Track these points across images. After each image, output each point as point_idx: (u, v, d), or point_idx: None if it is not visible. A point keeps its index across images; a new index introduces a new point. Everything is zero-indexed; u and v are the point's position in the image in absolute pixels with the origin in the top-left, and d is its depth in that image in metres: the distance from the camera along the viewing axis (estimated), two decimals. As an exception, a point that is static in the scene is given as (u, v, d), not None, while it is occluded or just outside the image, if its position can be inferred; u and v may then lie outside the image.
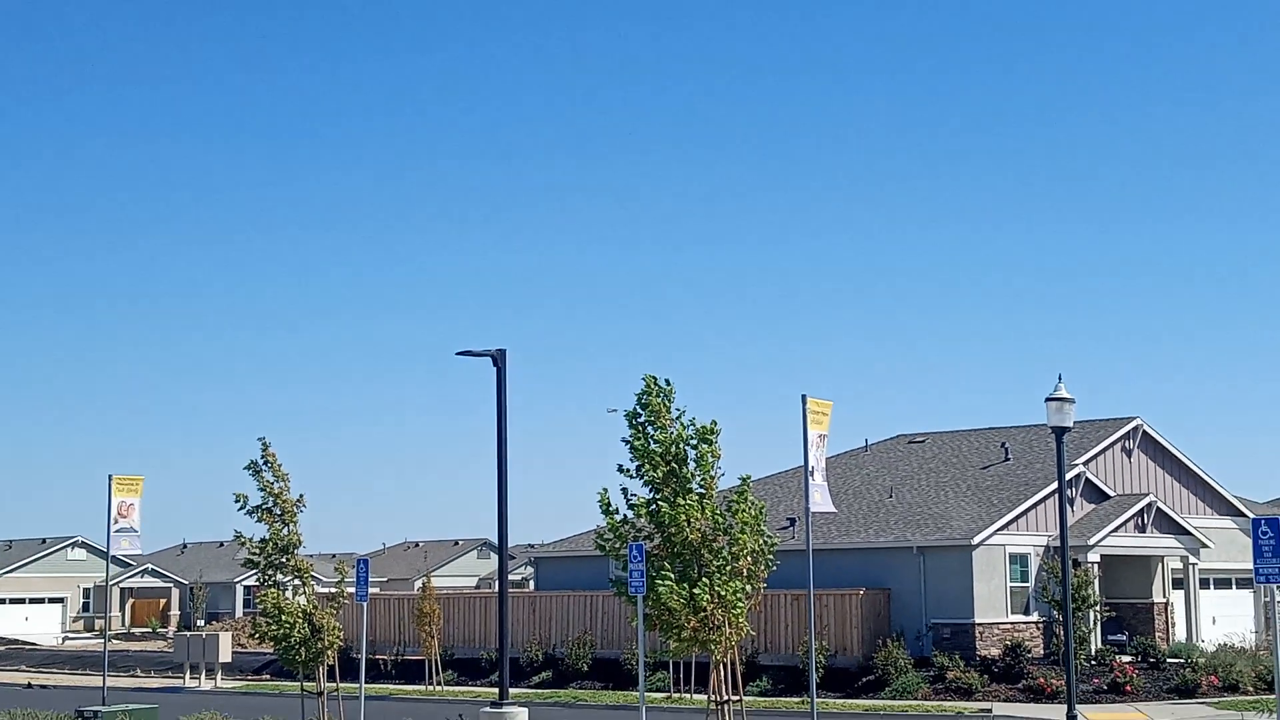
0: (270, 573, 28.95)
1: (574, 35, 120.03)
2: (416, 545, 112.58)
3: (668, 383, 30.17)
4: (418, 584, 44.70)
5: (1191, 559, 43.02)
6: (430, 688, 42.11)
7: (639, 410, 30.00)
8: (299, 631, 28.46)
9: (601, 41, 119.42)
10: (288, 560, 28.99)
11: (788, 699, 35.63)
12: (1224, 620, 44.07)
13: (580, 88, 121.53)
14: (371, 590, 32.35)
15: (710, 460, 29.76)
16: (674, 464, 29.46)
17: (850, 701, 35.35)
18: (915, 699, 34.82)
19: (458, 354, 24.33)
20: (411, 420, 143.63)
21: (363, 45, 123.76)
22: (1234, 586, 45.12)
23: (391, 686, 43.31)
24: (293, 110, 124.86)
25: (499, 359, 24.01)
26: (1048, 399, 25.88)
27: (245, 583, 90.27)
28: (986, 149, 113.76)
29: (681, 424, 29.90)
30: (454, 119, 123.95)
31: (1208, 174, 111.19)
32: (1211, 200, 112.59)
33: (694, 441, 29.82)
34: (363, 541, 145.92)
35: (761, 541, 29.43)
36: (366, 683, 30.75)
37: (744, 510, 29.31)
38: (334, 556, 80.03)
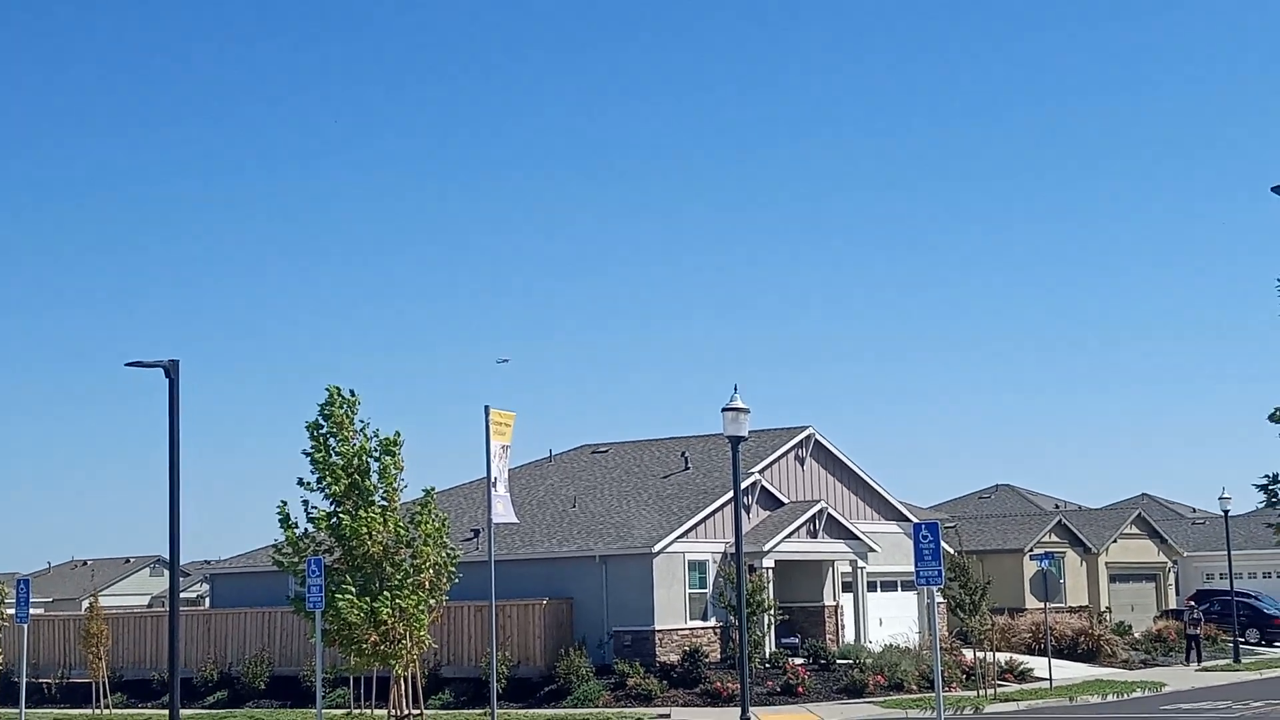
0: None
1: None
2: (85, 564, 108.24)
3: (351, 394, 29.80)
4: (85, 604, 42.74)
5: (860, 563, 44.71)
6: (97, 711, 40.38)
7: (321, 422, 29.54)
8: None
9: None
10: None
11: (470, 711, 35.52)
12: (890, 621, 45.99)
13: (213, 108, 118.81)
14: (35, 611, 30.81)
15: (393, 472, 29.55)
16: (356, 476, 29.15)
17: (532, 712, 35.47)
18: (596, 707, 35.17)
19: (127, 365, 23.38)
20: (80, 433, 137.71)
21: None
22: (899, 589, 47.08)
23: (56, 711, 41.48)
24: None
25: (171, 370, 23.19)
26: (724, 409, 26.53)
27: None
28: (664, 164, 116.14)
29: (365, 435, 29.61)
30: (122, 120, 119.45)
31: (870, 196, 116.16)
32: (874, 219, 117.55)
33: (377, 453, 29.57)
34: (27, 560, 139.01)
35: (444, 554, 29.37)
36: (29, 708, 29.28)
37: (427, 522, 29.20)
38: (-6, 577, 75.92)
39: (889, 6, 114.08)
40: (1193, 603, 55.15)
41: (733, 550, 31.00)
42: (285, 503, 29.74)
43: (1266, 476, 22.75)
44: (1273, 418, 22.00)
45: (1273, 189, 17.90)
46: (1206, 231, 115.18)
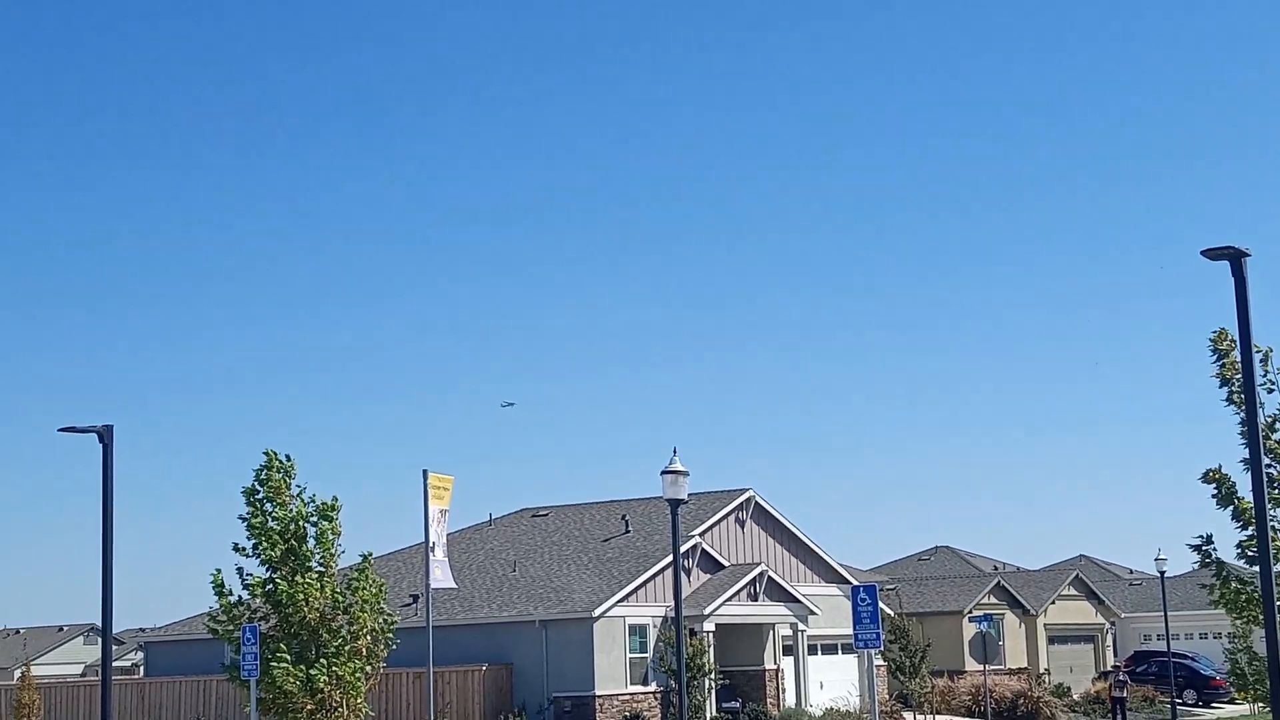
0: None
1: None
2: (17, 632, 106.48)
3: (288, 458, 29.62)
4: (17, 673, 42.03)
5: (801, 626, 44.70)
6: (28, 784, 39.68)
7: (257, 487, 29.32)
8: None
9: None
10: None
11: (409, 779, 35.15)
12: (831, 684, 45.96)
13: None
14: (-38, 682, 30.27)
15: (331, 537, 29.35)
16: (293, 541, 28.93)
17: (472, 779, 35.14)
18: (537, 774, 34.92)
19: (60, 430, 23.15)
20: (13, 500, 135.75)
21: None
22: (840, 652, 47.06)
23: (-16, 785, 40.66)
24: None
25: (105, 435, 22.97)
26: (663, 471, 26.50)
27: None
28: (600, 222, 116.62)
29: (302, 500, 29.40)
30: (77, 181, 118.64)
31: (802, 244, 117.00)
32: (811, 277, 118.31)
33: (314, 518, 29.36)
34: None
35: (382, 620, 29.14)
36: (-45, 782, 28.70)
37: (365, 588, 28.99)
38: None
39: (768, 56, 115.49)
40: (1118, 665, 55.41)
41: (673, 614, 30.92)
42: (219, 570, 29.51)
43: (1200, 537, 22.92)
44: (1205, 479, 22.23)
45: (1203, 253, 18.16)
46: (1145, 285, 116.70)
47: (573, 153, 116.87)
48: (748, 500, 45.97)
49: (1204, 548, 22.77)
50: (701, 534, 43.13)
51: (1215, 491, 22.17)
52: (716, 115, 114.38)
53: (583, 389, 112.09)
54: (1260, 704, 23.72)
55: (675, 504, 26.69)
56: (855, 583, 41.59)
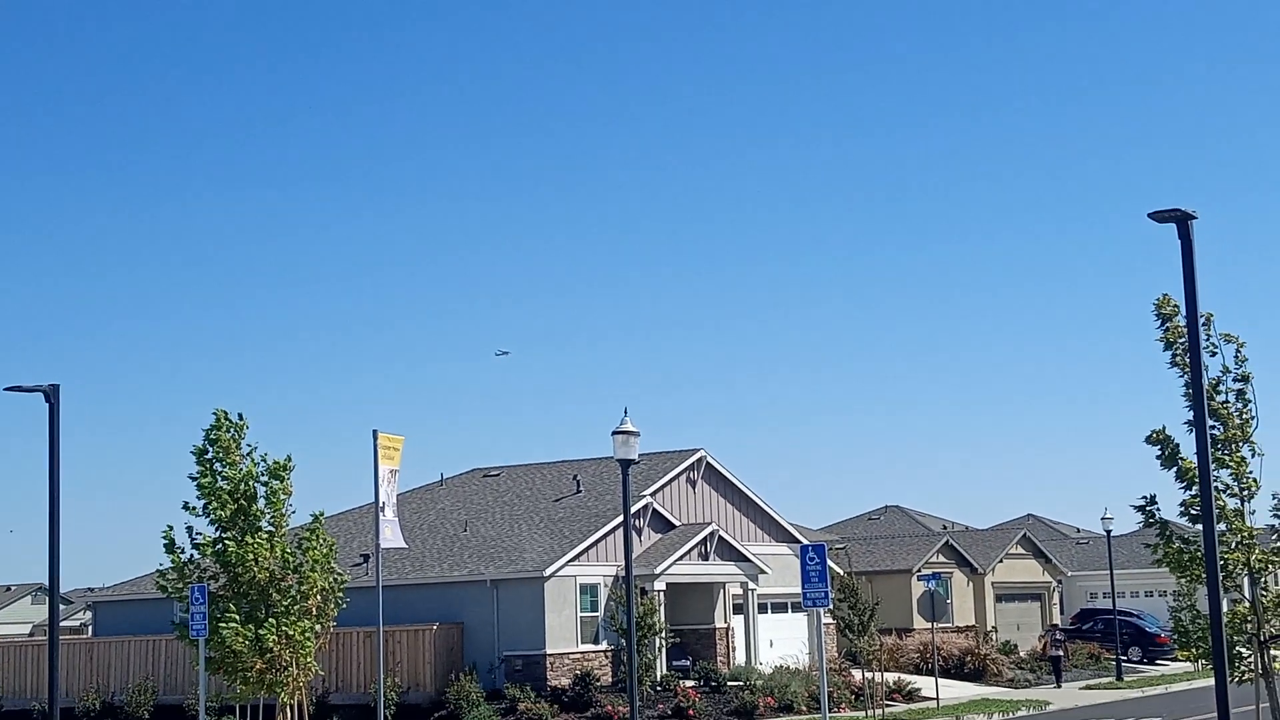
0: None
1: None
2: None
3: (240, 417, 29.46)
4: (-37, 633, 41.81)
5: (751, 585, 44.94)
6: (-25, 744, 39.52)
7: (207, 446, 29.17)
8: None
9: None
10: None
11: (359, 738, 35.22)
12: (780, 643, 46.28)
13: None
14: (-92, 642, 30.09)
15: (281, 497, 29.26)
16: (243, 501, 28.83)
17: (423, 737, 35.23)
18: (487, 731, 35.03)
19: (6, 389, 22.97)
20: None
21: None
22: (790, 610, 47.36)
23: (-68, 744, 40.50)
24: None
25: (52, 395, 22.80)
26: (614, 432, 26.57)
27: None
28: (551, 185, 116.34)
29: (253, 460, 29.26)
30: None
31: (756, 215, 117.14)
32: (760, 240, 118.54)
33: (265, 478, 29.25)
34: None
35: (332, 579, 29.12)
36: (-100, 742, 28.56)
37: (315, 548, 28.95)
38: None
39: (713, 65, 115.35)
40: (1054, 624, 55.91)
41: (624, 573, 31.00)
42: (170, 528, 29.40)
43: (1144, 498, 23.14)
44: (1149, 440, 22.45)
45: (1149, 215, 18.26)
46: (1089, 253, 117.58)
47: (528, 125, 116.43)
48: (699, 460, 46.10)
49: (1148, 508, 23.01)
50: (653, 494, 43.24)
51: (1159, 453, 22.40)
52: (659, 99, 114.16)
53: (535, 350, 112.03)
54: (1203, 660, 23.98)
55: (626, 464, 26.78)
56: (805, 542, 41.86)
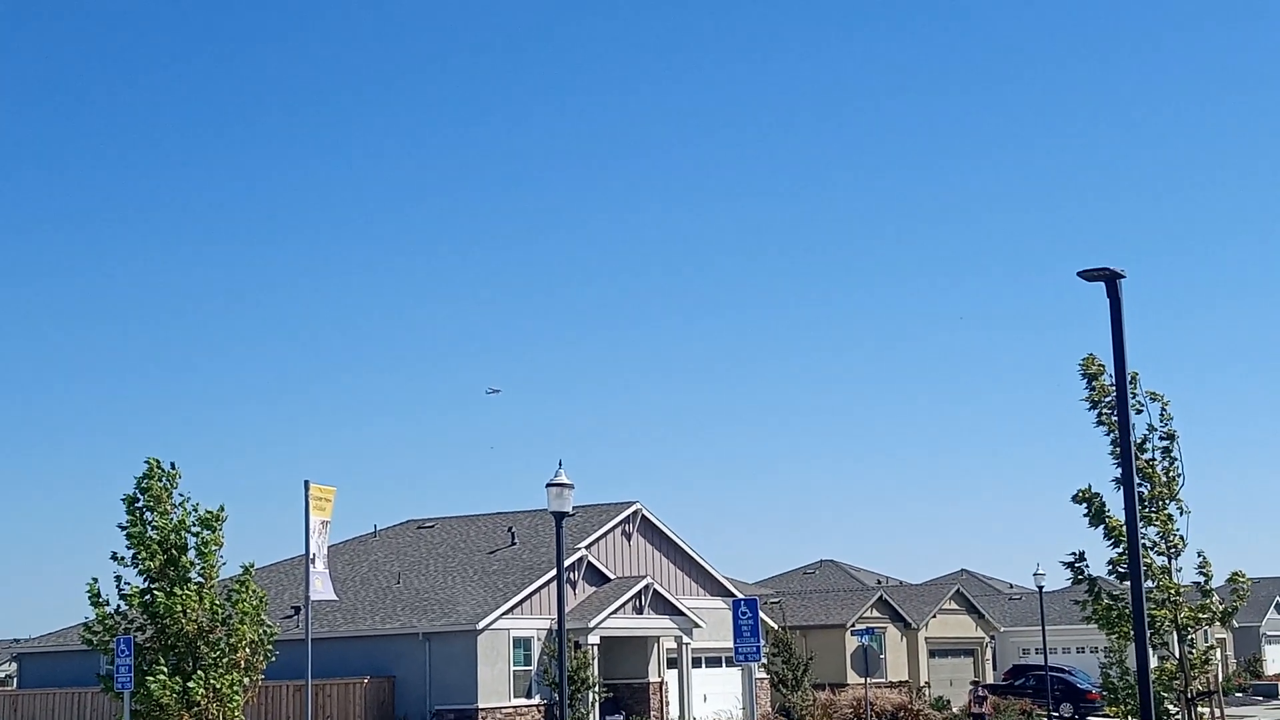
0: None
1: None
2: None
3: (173, 466, 29.18)
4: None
5: (685, 639, 44.84)
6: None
7: (138, 495, 28.84)
8: None
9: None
10: None
11: (288, 793, 34.75)
12: (715, 697, 46.17)
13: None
14: None
15: (213, 548, 28.94)
16: (173, 551, 28.50)
17: (352, 793, 34.80)
18: (418, 787, 34.68)
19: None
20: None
21: None
22: (724, 664, 47.30)
23: None
24: None
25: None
26: (548, 484, 26.49)
27: None
28: (482, 238, 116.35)
29: (184, 510, 28.95)
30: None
31: (688, 267, 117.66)
32: (694, 293, 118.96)
33: (196, 528, 28.92)
34: None
35: (261, 632, 28.79)
36: None
37: (245, 600, 28.62)
38: None
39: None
40: (975, 680, 55.90)
41: (558, 626, 30.89)
42: (96, 579, 28.99)
43: (1074, 554, 23.36)
44: (1076, 499, 22.67)
45: (1079, 273, 18.43)
46: (1022, 308, 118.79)
47: (453, 178, 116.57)
48: (634, 513, 46.06)
49: (1077, 564, 23.22)
50: (588, 546, 43.13)
51: (1086, 510, 22.63)
52: (572, 157, 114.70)
53: (470, 400, 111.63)
54: (1132, 717, 24.14)
55: (560, 516, 26.67)
56: (740, 596, 41.87)
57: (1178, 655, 22.75)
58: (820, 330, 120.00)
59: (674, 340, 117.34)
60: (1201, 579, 23.28)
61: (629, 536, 45.84)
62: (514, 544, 45.18)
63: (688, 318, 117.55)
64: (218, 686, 27.51)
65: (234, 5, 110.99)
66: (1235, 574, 23.70)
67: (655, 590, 43.92)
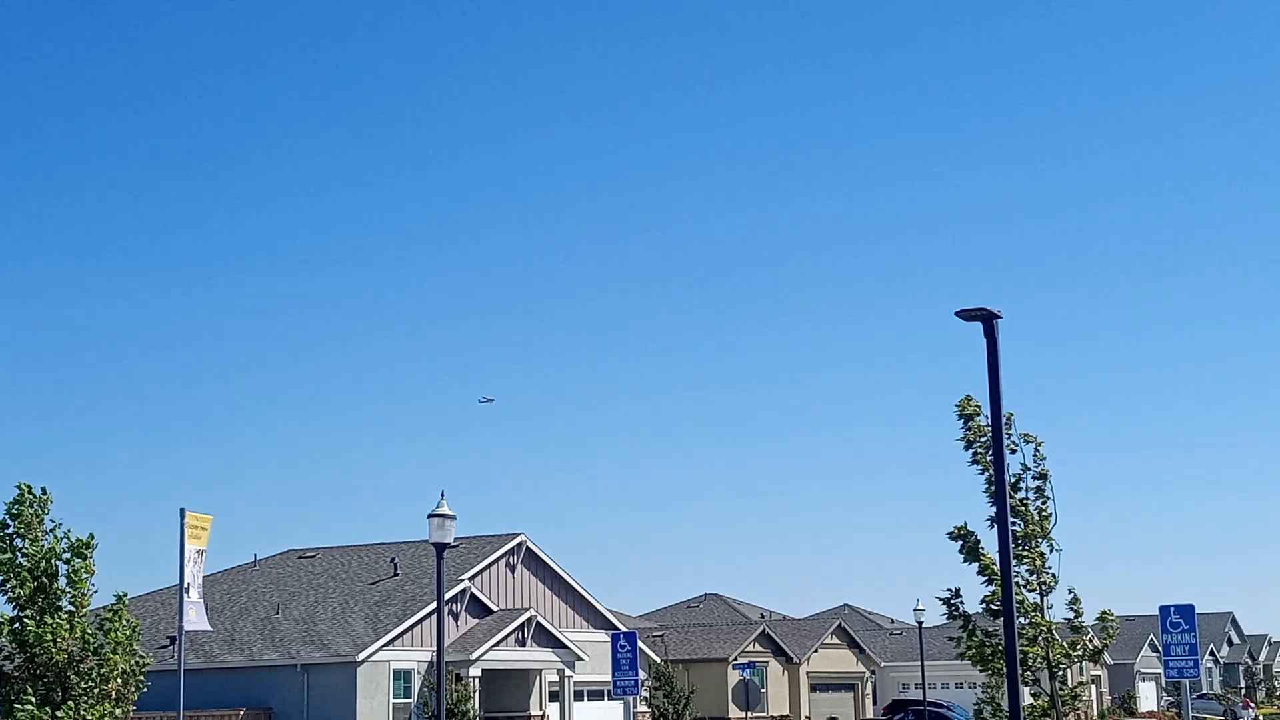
0: None
1: None
2: None
3: (44, 492, 28.60)
4: None
5: (568, 672, 44.71)
6: None
7: (8, 520, 28.25)
8: None
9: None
10: None
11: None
12: (597, 730, 46.05)
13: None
14: None
15: (84, 576, 28.38)
16: (44, 579, 27.93)
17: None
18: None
19: None
20: None
21: None
22: (606, 698, 47.16)
23: None
24: None
25: None
26: (430, 515, 26.38)
27: None
28: (371, 263, 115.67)
29: (55, 537, 28.39)
30: None
31: (576, 306, 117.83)
32: (582, 327, 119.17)
33: (67, 556, 28.37)
34: None
35: (134, 662, 28.28)
36: None
37: (117, 629, 28.11)
38: None
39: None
40: (833, 718, 56.12)
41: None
42: (-37, 607, 28.27)
43: (949, 590, 23.70)
44: (951, 536, 23.00)
45: (957, 313, 18.71)
46: (901, 346, 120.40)
47: (366, 220, 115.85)
48: (519, 545, 45.90)
49: (952, 601, 23.54)
50: (471, 578, 42.90)
51: (961, 548, 22.96)
52: (475, 205, 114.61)
53: (354, 429, 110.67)
54: (1004, 753, 24.52)
55: (441, 547, 26.57)
56: (623, 629, 41.84)
57: (1049, 692, 23.12)
58: (705, 366, 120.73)
59: (559, 374, 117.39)
60: (1072, 615, 23.71)
61: (513, 568, 45.66)
62: (396, 575, 44.81)
63: (572, 353, 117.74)
64: (88, 717, 26.96)
65: (235, 27, 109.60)
66: (1104, 613, 24.17)
67: (539, 622, 43.76)
